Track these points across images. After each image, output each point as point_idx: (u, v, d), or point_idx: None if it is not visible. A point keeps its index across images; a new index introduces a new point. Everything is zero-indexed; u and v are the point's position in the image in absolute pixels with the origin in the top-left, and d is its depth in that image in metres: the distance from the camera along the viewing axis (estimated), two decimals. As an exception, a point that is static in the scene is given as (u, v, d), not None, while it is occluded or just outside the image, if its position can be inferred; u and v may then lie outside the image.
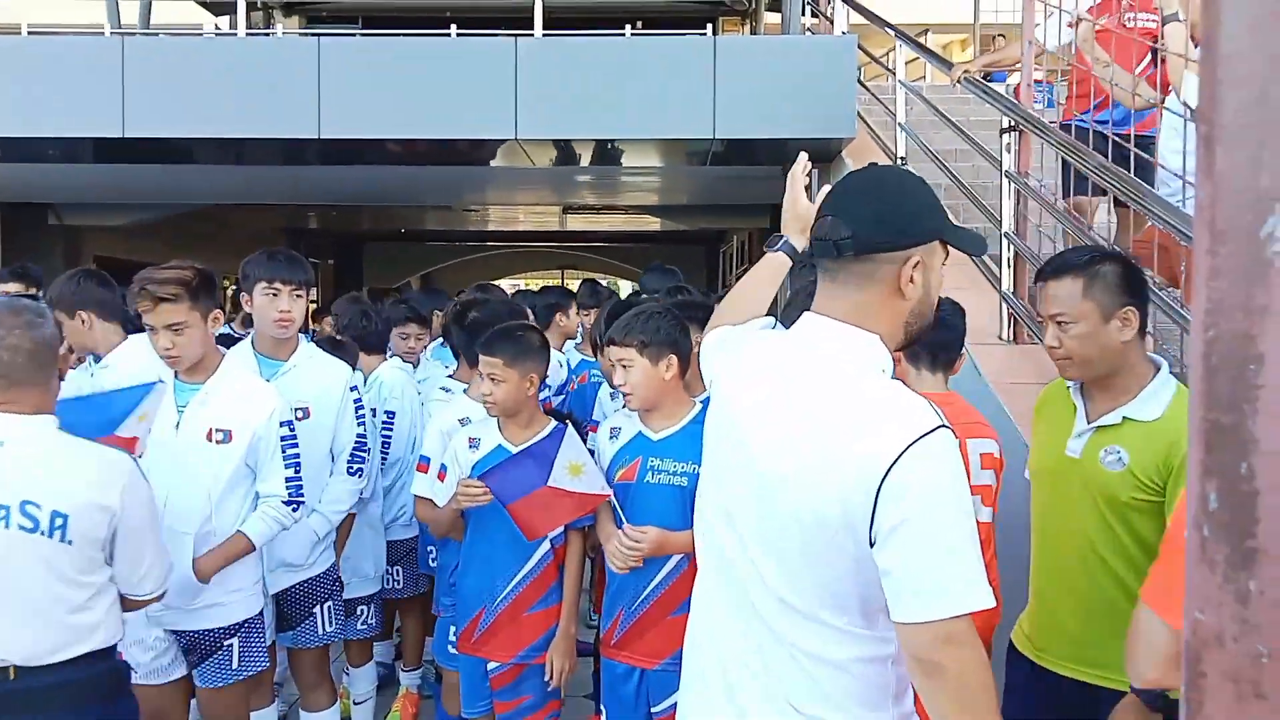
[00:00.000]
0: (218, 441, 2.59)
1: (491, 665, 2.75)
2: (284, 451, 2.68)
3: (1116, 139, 3.13)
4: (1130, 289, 1.97)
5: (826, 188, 1.54)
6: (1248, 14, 0.41)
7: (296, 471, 2.70)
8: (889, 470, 1.28)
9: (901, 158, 5.52)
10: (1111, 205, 3.68)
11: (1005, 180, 4.00)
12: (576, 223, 13.76)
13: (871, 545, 1.31)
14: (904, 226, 1.43)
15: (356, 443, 3.09)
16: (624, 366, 2.56)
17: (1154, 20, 3.64)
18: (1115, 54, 3.57)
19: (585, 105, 6.30)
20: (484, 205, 11.98)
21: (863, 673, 1.39)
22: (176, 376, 2.65)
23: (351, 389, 3.12)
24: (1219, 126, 0.42)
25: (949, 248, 1.49)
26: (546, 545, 2.70)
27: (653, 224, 13.57)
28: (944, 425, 1.32)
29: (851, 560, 1.34)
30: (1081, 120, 3.68)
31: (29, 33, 8.80)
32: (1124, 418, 1.96)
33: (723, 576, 1.49)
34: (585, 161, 7.68)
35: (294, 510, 2.70)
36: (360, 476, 3.11)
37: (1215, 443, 0.42)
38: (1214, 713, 0.42)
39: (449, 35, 8.58)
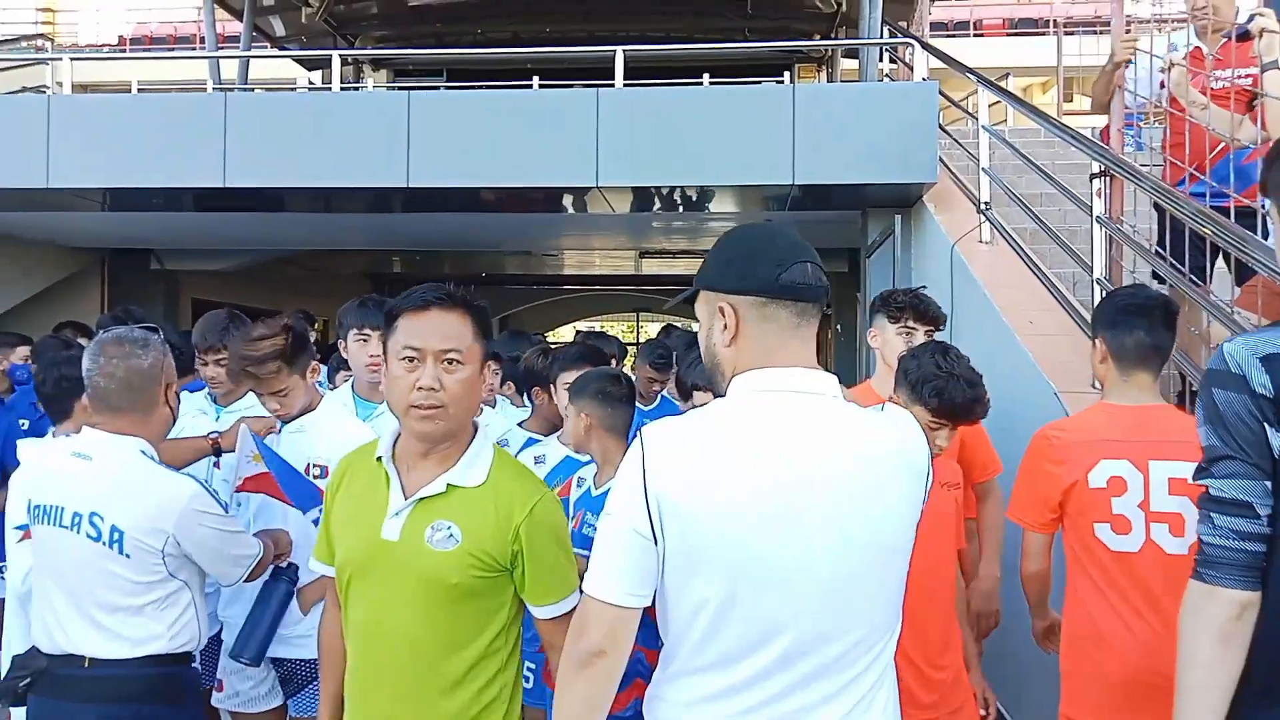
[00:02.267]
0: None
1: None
2: None
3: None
4: None
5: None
6: None
7: None
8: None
9: (985, 203, 5.45)
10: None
11: (1096, 225, 3.92)
12: (651, 266, 13.86)
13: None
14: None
15: None
16: None
17: (1244, 77, 3.54)
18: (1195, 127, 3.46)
19: (665, 153, 6.39)
20: (561, 250, 12.16)
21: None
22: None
23: None
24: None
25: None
26: None
27: (724, 269, 13.58)
28: None
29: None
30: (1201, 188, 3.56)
31: (138, 90, 9.29)
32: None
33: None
34: (663, 208, 7.75)
35: None
36: None
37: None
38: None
39: (531, 86, 8.80)
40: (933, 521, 2.43)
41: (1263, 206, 1.49)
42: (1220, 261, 3.60)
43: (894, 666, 1.55)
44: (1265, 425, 1.39)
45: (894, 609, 1.52)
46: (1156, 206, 3.75)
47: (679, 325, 11.05)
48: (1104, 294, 3.85)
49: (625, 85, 6.91)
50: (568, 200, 7.32)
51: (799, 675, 1.43)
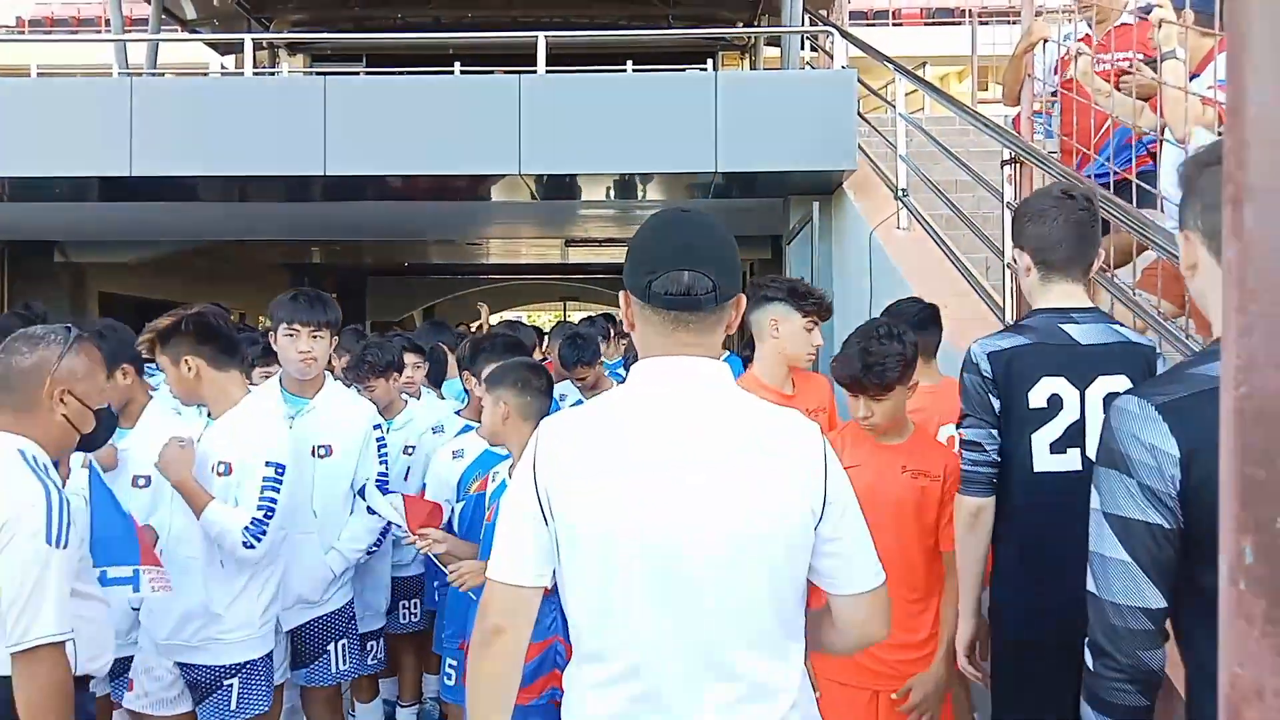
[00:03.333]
0: (219, 474, 2.62)
1: None
2: (261, 491, 2.61)
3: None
4: None
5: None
6: (1273, 77, 0.43)
7: (266, 515, 2.60)
8: (826, 467, 1.48)
9: (903, 189, 5.55)
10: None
11: (1006, 211, 4.02)
12: (578, 255, 13.82)
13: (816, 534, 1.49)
14: (738, 273, 1.55)
15: (379, 481, 3.12)
16: None
17: (1122, 60, 3.67)
18: (1082, 106, 3.60)
19: (588, 140, 6.36)
20: (486, 239, 12.04)
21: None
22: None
23: (375, 428, 3.16)
24: (1246, 187, 0.43)
25: None
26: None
27: (655, 256, 13.62)
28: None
29: (800, 563, 1.50)
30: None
31: (38, 74, 8.90)
32: None
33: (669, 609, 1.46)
34: (587, 195, 7.73)
35: (245, 545, 2.58)
36: (380, 516, 3.12)
37: (1250, 498, 0.43)
38: (1257, 768, 0.42)
39: (452, 73, 8.68)
40: (892, 511, 2.35)
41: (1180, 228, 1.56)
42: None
43: (803, 684, 1.51)
44: (989, 395, 2.11)
45: (779, 607, 1.47)
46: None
47: (614, 313, 11.07)
48: (1012, 279, 3.96)
49: (548, 72, 6.87)
50: (490, 188, 7.25)
51: (680, 669, 1.45)
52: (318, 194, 7.27)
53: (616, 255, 13.69)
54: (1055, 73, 3.89)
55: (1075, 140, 3.58)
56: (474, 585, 2.65)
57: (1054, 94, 3.99)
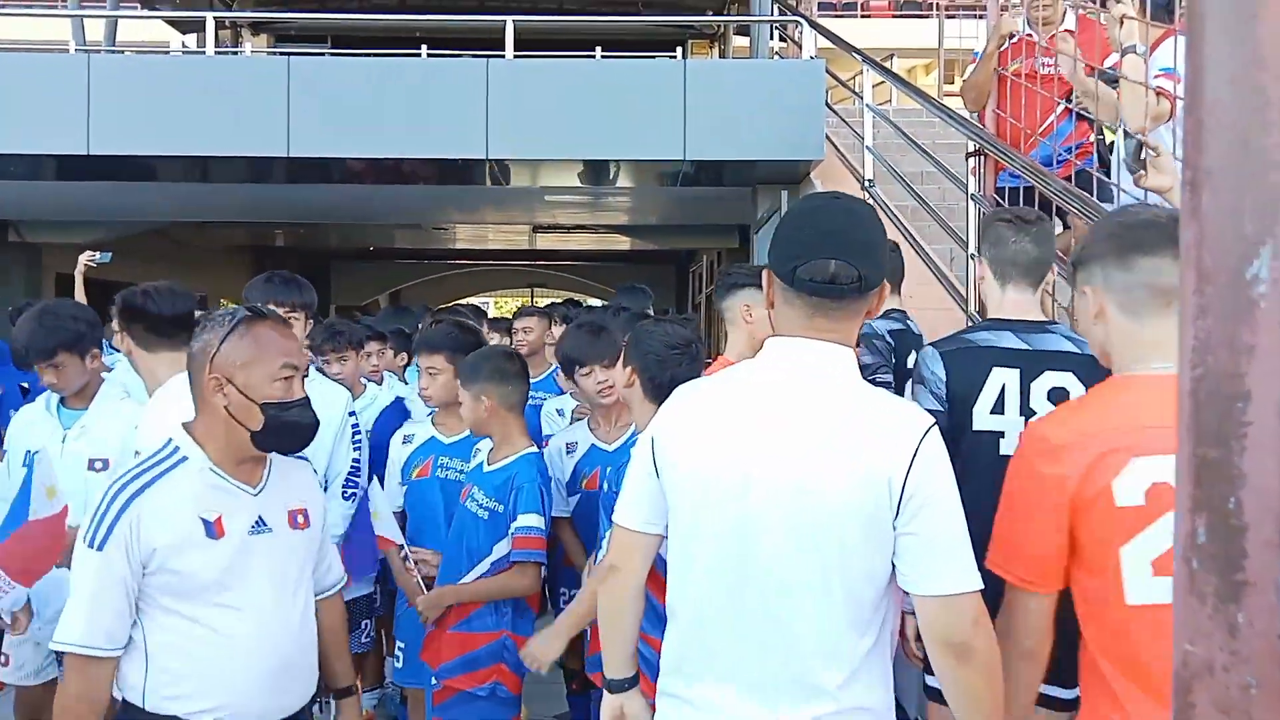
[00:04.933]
0: (97, 469, 2.62)
1: (434, 681, 2.75)
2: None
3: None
4: None
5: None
6: (1229, 66, 0.43)
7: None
8: (915, 456, 1.45)
9: (869, 180, 5.59)
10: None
11: (970, 202, 4.06)
12: (546, 241, 13.76)
13: (895, 529, 1.47)
14: (885, 266, 1.58)
15: (352, 467, 3.10)
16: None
17: (1051, 66, 3.74)
18: (1027, 98, 3.67)
19: (556, 126, 6.33)
20: (453, 224, 11.95)
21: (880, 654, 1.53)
22: (61, 404, 2.90)
23: (350, 414, 3.12)
24: (1203, 171, 0.43)
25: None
26: (483, 567, 2.69)
27: (622, 243, 13.60)
28: (936, 423, 1.53)
29: (875, 553, 1.48)
30: (1013, 180, 3.79)
31: (-9, 48, 8.68)
32: None
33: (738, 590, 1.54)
34: (556, 182, 7.69)
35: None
36: (353, 501, 3.12)
37: (1204, 477, 0.43)
38: (1205, 742, 0.43)
39: (419, 55, 8.58)
40: None
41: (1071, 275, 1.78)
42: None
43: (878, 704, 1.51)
44: (936, 399, 2.26)
45: (846, 596, 1.47)
46: (998, 190, 3.94)
47: (577, 300, 11.05)
48: (975, 268, 4.00)
49: (516, 57, 6.82)
50: (456, 173, 7.19)
51: (733, 640, 1.53)
52: (281, 176, 7.17)
53: (584, 242, 13.66)
54: (1000, 64, 3.95)
55: (1024, 126, 3.66)
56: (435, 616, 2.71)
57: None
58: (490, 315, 6.40)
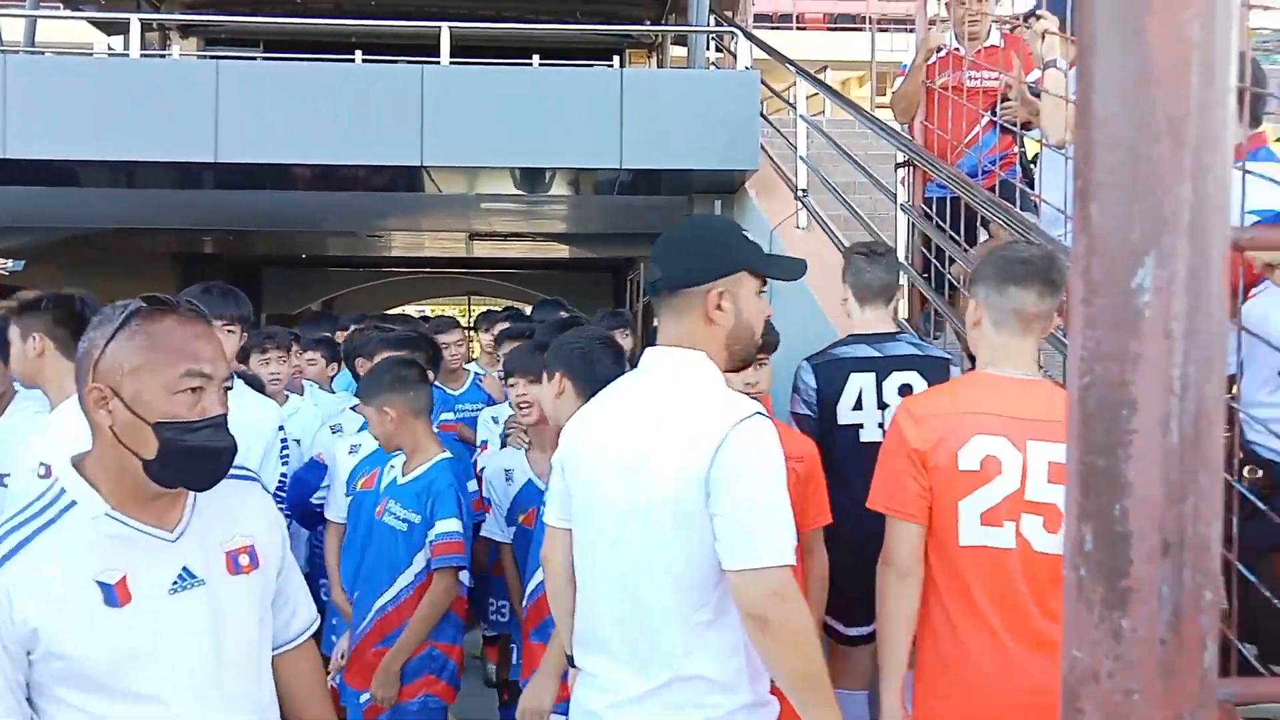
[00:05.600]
0: (40, 476, 2.52)
1: (363, 697, 2.70)
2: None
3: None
4: None
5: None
6: (1119, 80, 0.44)
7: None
8: (721, 443, 1.58)
9: (802, 190, 5.65)
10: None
11: (900, 212, 4.13)
12: (483, 249, 13.65)
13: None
14: (701, 266, 1.72)
15: (279, 483, 3.02)
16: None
17: (995, 79, 3.85)
18: (954, 111, 3.79)
19: (492, 133, 6.28)
20: (388, 231, 11.79)
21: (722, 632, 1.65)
22: None
23: (279, 429, 3.05)
24: (1093, 183, 0.44)
25: (764, 278, 1.79)
26: (407, 579, 2.65)
27: (561, 251, 13.56)
28: (760, 414, 1.65)
29: (695, 534, 1.62)
30: (940, 190, 3.88)
31: (-100, 46, 8.34)
32: None
33: (608, 574, 1.74)
34: (492, 189, 7.63)
35: None
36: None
37: (1091, 486, 0.44)
38: (1094, 748, 0.43)
39: (354, 61, 8.46)
40: None
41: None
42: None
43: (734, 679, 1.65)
44: (807, 405, 2.78)
45: (676, 581, 1.63)
46: (926, 200, 4.03)
47: (516, 307, 10.97)
48: (907, 278, 4.07)
49: (452, 63, 6.76)
50: (391, 180, 7.10)
51: (606, 636, 1.72)
52: (210, 181, 6.99)
53: (523, 250, 13.57)
54: (928, 77, 4.05)
55: (950, 138, 3.78)
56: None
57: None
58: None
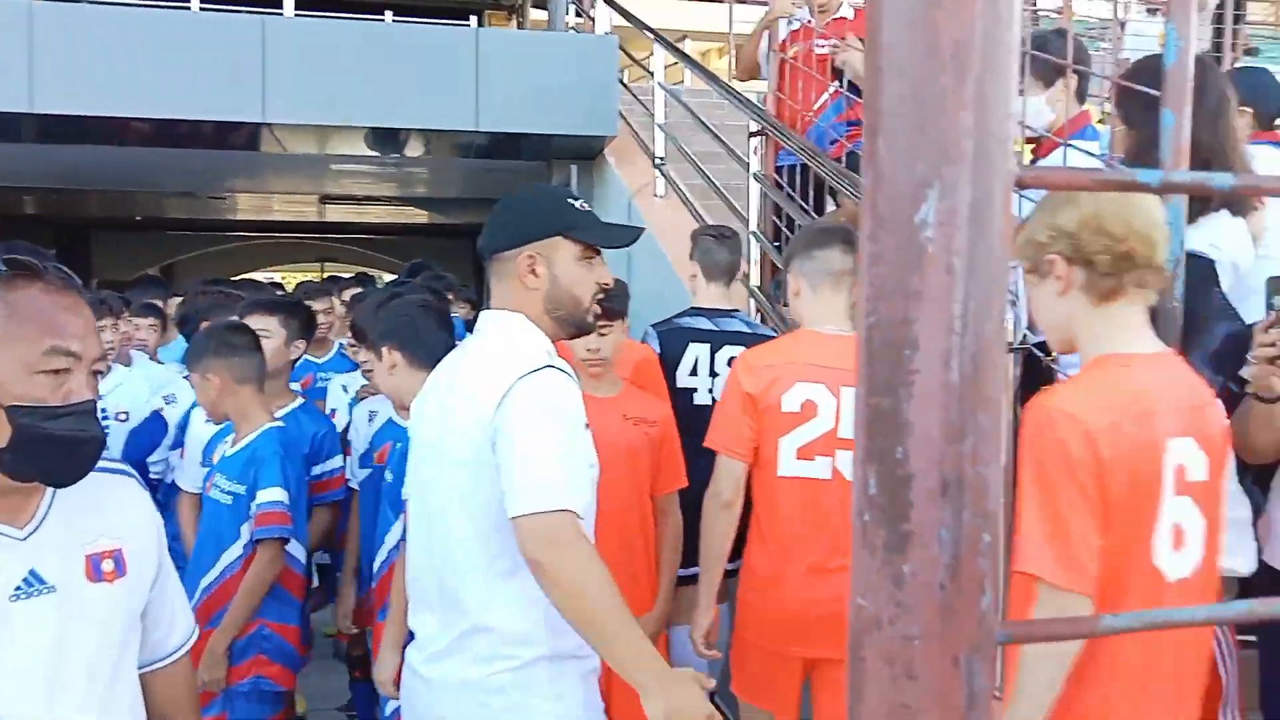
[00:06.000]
0: None
1: None
2: None
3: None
4: None
5: None
6: (904, 8, 0.42)
7: None
8: (504, 396, 1.63)
9: (660, 158, 5.65)
10: None
11: (752, 181, 4.19)
12: (337, 213, 13.15)
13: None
14: (512, 231, 1.77)
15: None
16: None
17: (826, 46, 3.96)
18: (804, 81, 3.88)
19: (341, 91, 6.01)
20: (231, 193, 11.20)
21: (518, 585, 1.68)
22: None
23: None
24: (879, 115, 0.42)
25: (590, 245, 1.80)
26: (232, 555, 2.53)
27: (420, 216, 13.20)
28: (551, 366, 1.69)
29: (489, 488, 1.65)
30: (790, 159, 3.97)
31: None
32: None
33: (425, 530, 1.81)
34: (343, 150, 7.33)
35: None
36: None
37: (875, 428, 0.42)
38: (873, 695, 0.42)
39: (189, 9, 7.94)
40: (625, 460, 2.49)
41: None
42: None
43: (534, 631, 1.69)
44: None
45: (480, 535, 1.68)
46: (778, 169, 4.12)
47: (367, 273, 10.61)
48: (759, 245, 4.13)
49: (297, 15, 6.42)
50: (232, 137, 6.71)
51: (424, 595, 1.79)
52: (28, 134, 6.44)
53: (379, 214, 13.14)
54: (781, 49, 4.12)
55: (800, 107, 3.87)
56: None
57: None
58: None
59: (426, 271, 4.94)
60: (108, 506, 1.40)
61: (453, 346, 2.48)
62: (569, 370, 1.74)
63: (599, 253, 1.80)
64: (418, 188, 10.26)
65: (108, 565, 1.36)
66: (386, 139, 6.91)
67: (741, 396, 2.36)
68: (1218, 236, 2.20)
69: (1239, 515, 2.10)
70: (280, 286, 7.70)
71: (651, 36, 6.25)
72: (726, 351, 2.93)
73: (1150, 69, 2.06)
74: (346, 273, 12.48)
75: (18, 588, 1.27)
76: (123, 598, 1.38)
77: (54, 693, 1.29)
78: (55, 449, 1.26)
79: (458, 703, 1.68)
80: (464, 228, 14.75)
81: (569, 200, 1.82)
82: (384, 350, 2.34)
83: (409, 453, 1.90)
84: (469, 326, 2.85)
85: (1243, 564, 2.14)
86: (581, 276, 1.77)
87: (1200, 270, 2.10)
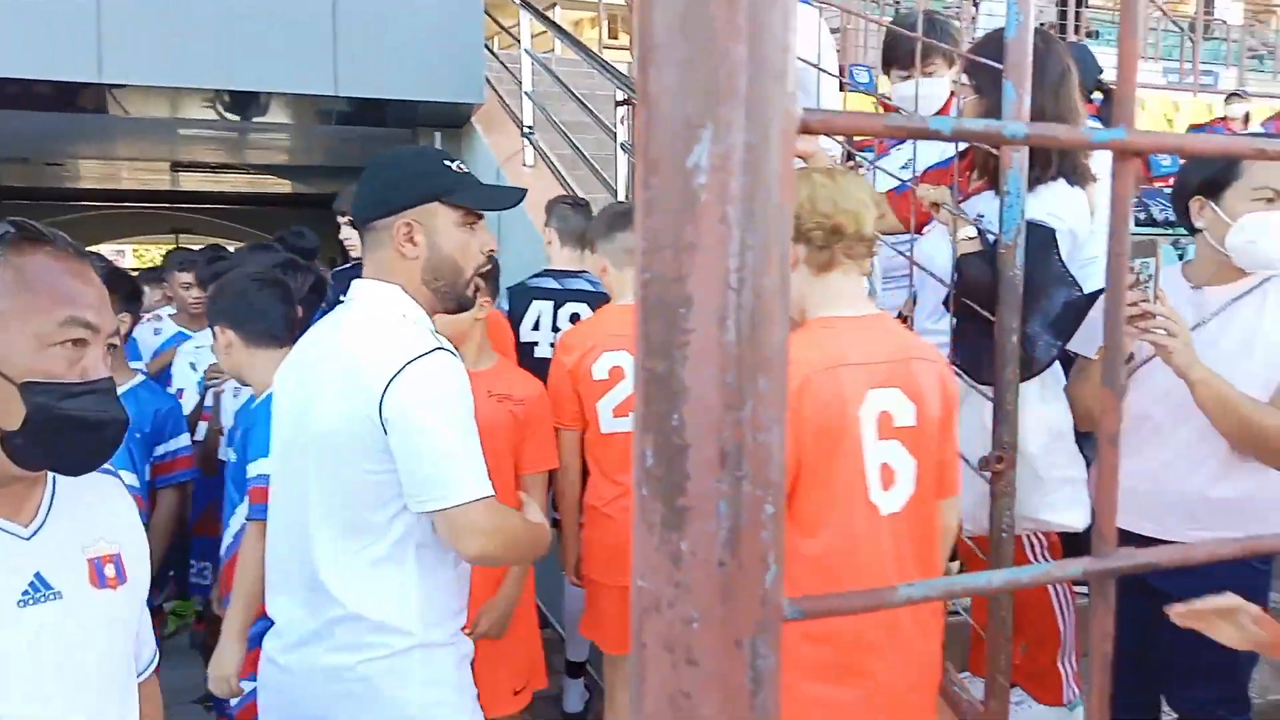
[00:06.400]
0: None
1: None
2: None
3: None
4: None
5: None
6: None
7: None
8: (393, 379, 1.52)
9: (529, 127, 5.55)
10: None
11: (620, 151, 4.14)
12: (192, 182, 12.48)
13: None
14: (385, 197, 1.65)
15: None
16: None
17: None
18: None
19: (187, 51, 5.65)
20: (73, 159, 10.46)
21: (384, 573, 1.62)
22: None
23: None
24: (649, 47, 0.38)
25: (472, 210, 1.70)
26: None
27: (283, 186, 12.65)
28: (441, 348, 1.59)
29: (366, 469, 1.57)
30: None
31: None
32: None
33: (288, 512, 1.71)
34: (192, 114, 6.92)
35: None
36: None
37: (651, 394, 0.39)
38: (654, 683, 0.39)
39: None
40: (487, 437, 2.43)
41: None
42: None
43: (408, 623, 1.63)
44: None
45: (341, 516, 1.60)
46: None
47: (220, 245, 10.08)
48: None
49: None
50: (67, 98, 6.24)
51: (287, 578, 1.70)
52: None
53: (238, 184, 12.52)
54: None
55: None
56: None
57: None
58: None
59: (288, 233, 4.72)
60: (101, 507, 1.27)
61: (294, 319, 2.37)
62: (452, 349, 1.65)
63: (480, 217, 1.69)
64: (278, 155, 9.82)
65: (110, 570, 1.23)
66: (240, 103, 6.55)
67: (564, 373, 2.73)
68: (1055, 205, 2.29)
69: (1073, 474, 2.21)
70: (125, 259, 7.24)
71: (519, 3, 6.11)
72: (570, 308, 3.20)
73: (998, 41, 2.11)
74: (201, 245, 11.86)
75: (24, 593, 1.14)
76: (124, 605, 1.26)
77: (69, 702, 1.16)
78: (74, 432, 1.12)
79: (324, 691, 1.59)
80: (328, 197, 14.22)
81: (445, 162, 1.70)
82: (217, 330, 2.22)
83: (272, 430, 1.78)
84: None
85: (1077, 520, 2.24)
86: (463, 243, 1.67)
87: (1041, 237, 2.18)
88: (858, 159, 3.35)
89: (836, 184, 1.79)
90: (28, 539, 1.17)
